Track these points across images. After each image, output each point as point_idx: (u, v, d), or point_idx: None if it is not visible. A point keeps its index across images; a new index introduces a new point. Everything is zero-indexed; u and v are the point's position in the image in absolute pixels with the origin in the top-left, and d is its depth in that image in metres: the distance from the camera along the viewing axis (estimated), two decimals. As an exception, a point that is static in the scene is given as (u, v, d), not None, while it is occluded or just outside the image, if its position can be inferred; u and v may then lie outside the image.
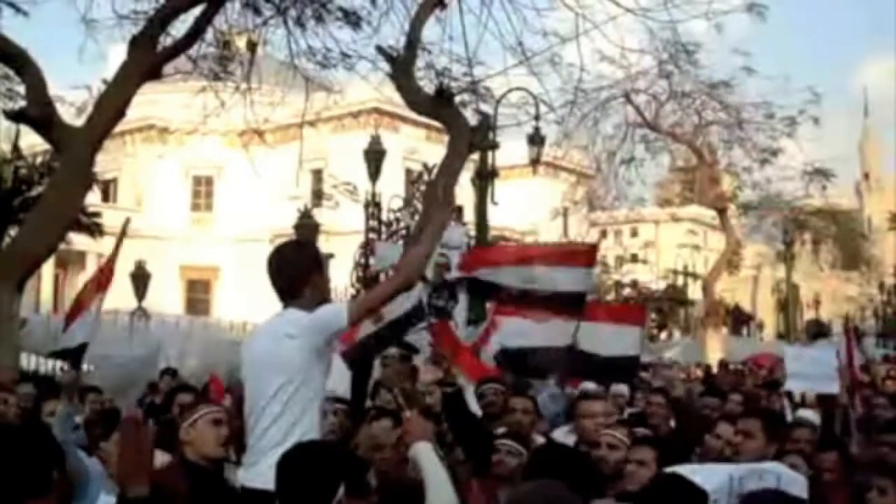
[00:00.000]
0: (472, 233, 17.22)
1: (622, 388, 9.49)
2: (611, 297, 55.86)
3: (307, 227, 22.33)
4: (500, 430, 6.08)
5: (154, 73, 11.68)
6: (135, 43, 11.50)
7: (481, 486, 5.25)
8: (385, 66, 13.62)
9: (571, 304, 7.88)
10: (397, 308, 7.09)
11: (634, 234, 77.49)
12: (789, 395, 9.60)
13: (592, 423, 6.07)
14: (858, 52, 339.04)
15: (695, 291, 46.19)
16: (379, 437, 5.71)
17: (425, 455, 3.89)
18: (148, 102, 41.22)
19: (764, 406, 9.12)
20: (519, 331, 8.44)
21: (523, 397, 6.93)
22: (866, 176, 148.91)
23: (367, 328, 7.06)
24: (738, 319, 60.24)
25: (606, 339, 8.21)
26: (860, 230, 67.02)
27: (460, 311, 14.03)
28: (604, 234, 68.82)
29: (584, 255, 8.43)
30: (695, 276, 52.74)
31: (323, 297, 4.60)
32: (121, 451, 2.99)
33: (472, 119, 15.17)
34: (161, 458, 4.72)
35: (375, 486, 3.71)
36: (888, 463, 5.58)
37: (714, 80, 26.91)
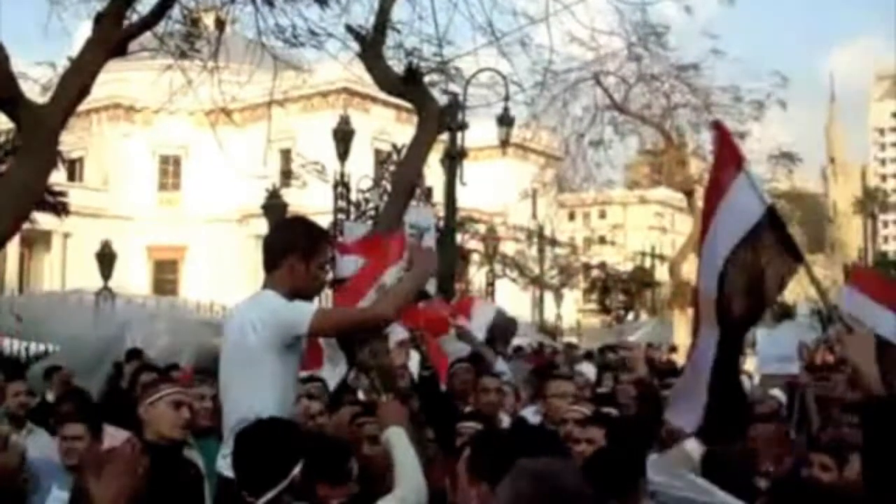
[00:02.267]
0: (441, 213, 17.26)
1: (588, 369, 9.57)
2: (579, 278, 56.17)
3: (275, 208, 22.27)
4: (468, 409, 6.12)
5: (120, 50, 11.53)
6: (100, 19, 11.34)
7: (448, 465, 5.27)
8: (355, 46, 13.56)
9: None
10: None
11: (603, 215, 77.80)
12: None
13: (563, 402, 6.12)
14: (826, 38, 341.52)
15: (662, 273, 46.42)
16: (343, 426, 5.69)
17: (398, 440, 3.91)
18: (114, 81, 40.95)
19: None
20: None
21: (494, 377, 6.99)
22: (832, 160, 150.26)
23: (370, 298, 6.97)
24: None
25: None
26: (825, 214, 67.70)
27: (429, 285, 14.07)
28: (572, 215, 69.09)
29: None
30: (662, 257, 53.05)
31: (302, 284, 4.44)
32: (108, 480, 2.93)
33: (441, 99, 15.16)
34: (117, 434, 4.69)
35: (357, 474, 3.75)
36: (834, 440, 5.69)
37: (683, 62, 26.99)
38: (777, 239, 4.18)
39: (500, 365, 8.72)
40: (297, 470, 3.37)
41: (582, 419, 5.37)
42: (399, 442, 3.90)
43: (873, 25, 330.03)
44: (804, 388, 7.20)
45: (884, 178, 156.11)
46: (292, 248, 4.44)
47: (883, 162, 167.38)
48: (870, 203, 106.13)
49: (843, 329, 3.23)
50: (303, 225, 4.76)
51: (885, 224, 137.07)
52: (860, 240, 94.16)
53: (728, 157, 4.57)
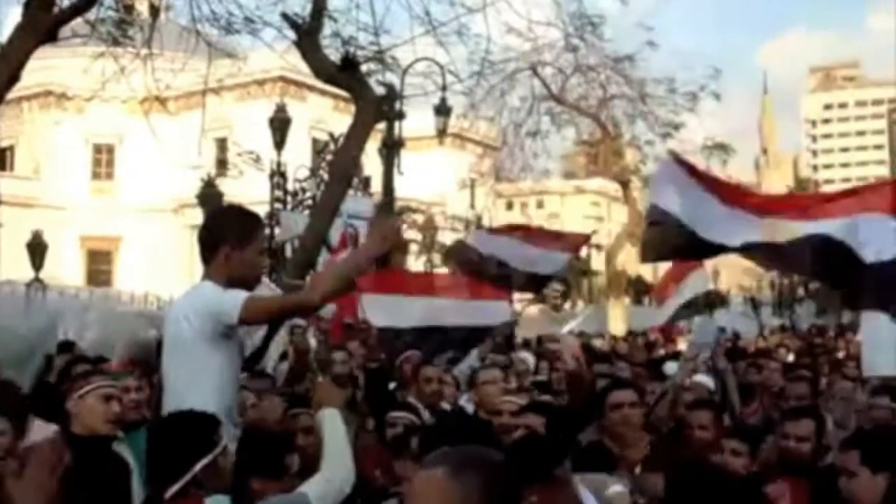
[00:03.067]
0: (379, 203, 17.23)
1: (526, 357, 9.62)
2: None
3: (211, 197, 22.04)
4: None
5: (50, 36, 11.32)
6: (29, 4, 11.13)
7: (380, 454, 5.28)
8: (291, 34, 13.44)
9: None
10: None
11: (540, 205, 78.14)
12: None
13: (493, 389, 6.16)
14: (760, 31, 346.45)
15: (598, 262, 46.85)
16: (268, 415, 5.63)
17: (330, 421, 3.91)
18: (45, 67, 40.07)
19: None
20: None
21: (434, 366, 7.02)
22: (765, 151, 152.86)
23: None
24: (640, 290, 61.31)
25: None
26: (758, 203, 68.72)
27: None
28: (510, 205, 69.28)
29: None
30: (598, 247, 53.48)
31: (239, 273, 4.39)
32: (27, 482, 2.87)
33: (378, 89, 15.10)
34: (45, 428, 4.61)
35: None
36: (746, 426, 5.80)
37: (619, 54, 27.24)
38: None
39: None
40: (200, 464, 3.33)
41: (516, 410, 5.41)
42: (331, 423, 3.90)
43: (805, 19, 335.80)
44: (723, 374, 7.31)
45: (815, 168, 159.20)
46: (226, 237, 4.40)
47: (814, 153, 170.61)
48: (801, 193, 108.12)
49: None
50: (235, 213, 4.72)
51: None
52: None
53: None
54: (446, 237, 45.57)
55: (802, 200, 7.01)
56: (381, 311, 8.45)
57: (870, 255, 5.56)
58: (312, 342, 7.12)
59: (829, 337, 22.19)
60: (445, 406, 6.69)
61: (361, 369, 7.79)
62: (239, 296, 4.22)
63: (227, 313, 4.17)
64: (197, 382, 4.21)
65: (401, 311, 8.36)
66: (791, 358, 13.42)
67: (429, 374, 6.78)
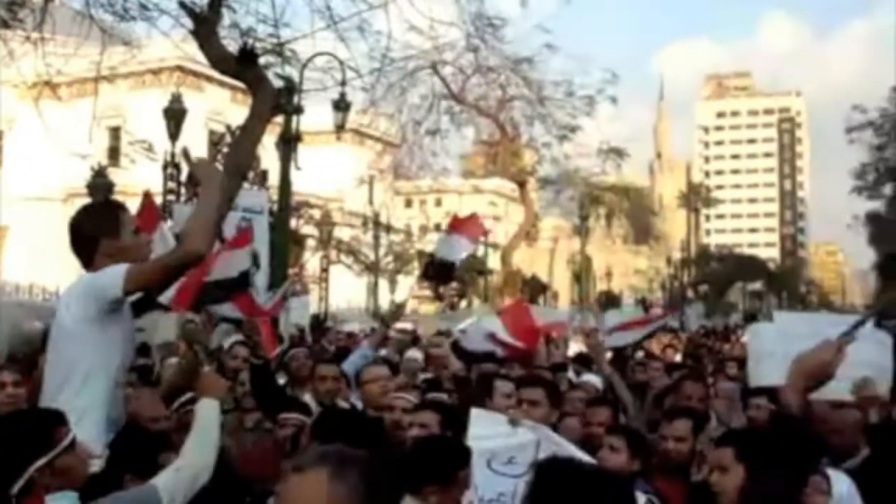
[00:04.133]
0: (275, 197, 17.06)
1: (416, 355, 9.64)
2: (414, 264, 56.52)
3: (101, 187, 21.55)
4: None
5: (-65, 17, 10.96)
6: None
7: (274, 453, 5.24)
8: (188, 23, 13.22)
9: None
10: (224, 270, 6.98)
11: (439, 203, 78.39)
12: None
13: (376, 387, 6.16)
14: (657, 38, 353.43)
15: (495, 261, 47.20)
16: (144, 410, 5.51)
17: (206, 411, 3.87)
18: (-70, 49, 38.66)
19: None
20: None
21: (330, 364, 6.98)
22: (659, 156, 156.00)
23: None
24: (536, 289, 62.00)
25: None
26: (651, 207, 70.15)
27: (261, 275, 13.91)
28: (408, 202, 69.40)
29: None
30: (495, 246, 53.90)
31: (125, 258, 4.28)
32: None
33: (276, 82, 14.97)
34: None
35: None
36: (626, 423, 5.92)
37: (518, 56, 27.50)
38: None
39: None
40: (37, 464, 3.23)
41: (410, 406, 5.43)
42: (204, 413, 3.86)
43: (700, 28, 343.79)
44: (609, 375, 7.45)
45: (707, 174, 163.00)
46: (96, 234, 4.34)
47: (707, 159, 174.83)
48: (693, 198, 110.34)
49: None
50: (94, 210, 4.67)
51: (708, 218, 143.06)
52: (683, 232, 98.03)
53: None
54: (343, 233, 45.47)
55: None
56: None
57: None
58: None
59: (716, 338, 22.81)
60: (343, 404, 6.67)
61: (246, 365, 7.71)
62: (118, 269, 4.13)
63: (111, 286, 4.09)
64: (73, 375, 4.14)
65: None
66: (678, 358, 13.71)
67: (323, 371, 6.75)
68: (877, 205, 53.20)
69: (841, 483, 4.54)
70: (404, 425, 5.17)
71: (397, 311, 9.53)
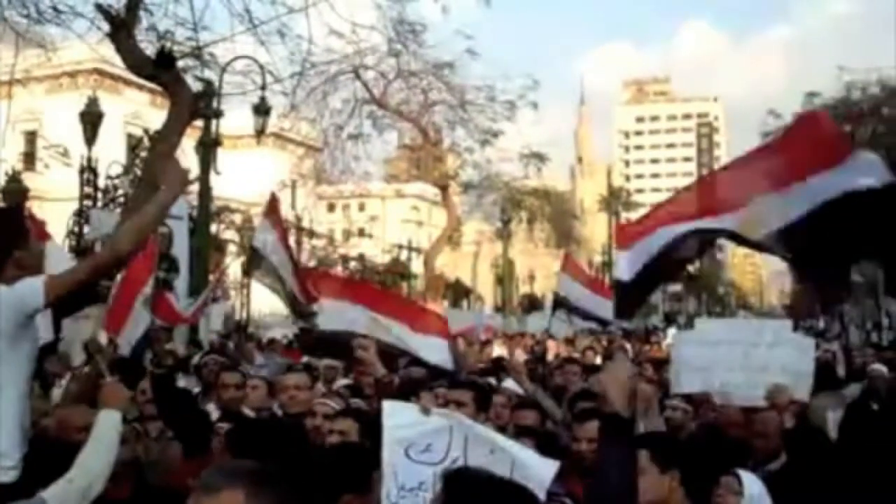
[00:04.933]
0: (195, 203, 16.88)
1: (334, 362, 9.59)
2: (337, 269, 56.31)
3: (14, 192, 21.07)
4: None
5: None
6: None
7: (193, 466, 5.19)
8: (105, 26, 13.04)
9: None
10: None
11: (362, 208, 78.28)
12: None
13: (286, 396, 6.14)
14: (578, 44, 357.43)
15: (417, 265, 47.26)
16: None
17: (103, 423, 3.83)
18: None
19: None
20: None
21: (233, 371, 6.91)
22: (580, 160, 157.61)
23: None
24: (459, 292, 62.26)
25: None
26: (572, 211, 70.82)
27: (181, 281, 13.76)
28: (332, 207, 69.12)
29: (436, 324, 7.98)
30: (418, 250, 53.97)
31: (31, 265, 4.22)
32: None
33: (195, 85, 14.83)
34: None
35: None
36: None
37: (440, 61, 27.57)
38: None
39: None
40: None
41: (332, 413, 5.42)
42: (103, 425, 3.82)
43: (621, 34, 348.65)
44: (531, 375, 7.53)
45: (627, 178, 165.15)
46: (7, 245, 4.23)
47: (627, 163, 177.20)
48: (614, 202, 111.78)
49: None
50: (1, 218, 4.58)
51: (628, 221, 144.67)
52: (604, 236, 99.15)
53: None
54: (266, 238, 45.08)
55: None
56: (335, 315, 8.19)
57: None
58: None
59: (636, 339, 23.09)
60: (248, 412, 6.59)
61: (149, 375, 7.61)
62: (35, 281, 4.06)
63: (31, 296, 4.02)
64: None
65: (350, 317, 8.07)
66: (598, 360, 13.86)
67: (226, 379, 6.69)
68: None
69: (753, 484, 4.65)
70: (325, 432, 5.17)
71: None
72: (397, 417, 4.16)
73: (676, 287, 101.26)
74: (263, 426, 5.26)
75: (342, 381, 8.46)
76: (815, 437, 6.00)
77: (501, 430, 5.47)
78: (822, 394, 9.04)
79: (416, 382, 6.55)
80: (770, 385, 6.03)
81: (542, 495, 3.77)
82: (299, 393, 6.06)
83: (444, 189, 32.00)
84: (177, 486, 4.97)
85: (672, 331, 24.68)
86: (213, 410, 6.40)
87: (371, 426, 4.79)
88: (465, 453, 4.06)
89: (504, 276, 49.64)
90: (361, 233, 67.89)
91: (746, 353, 6.62)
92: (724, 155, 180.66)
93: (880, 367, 9.96)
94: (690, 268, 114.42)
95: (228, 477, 2.18)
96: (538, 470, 3.98)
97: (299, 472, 3.02)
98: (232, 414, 5.85)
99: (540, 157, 32.54)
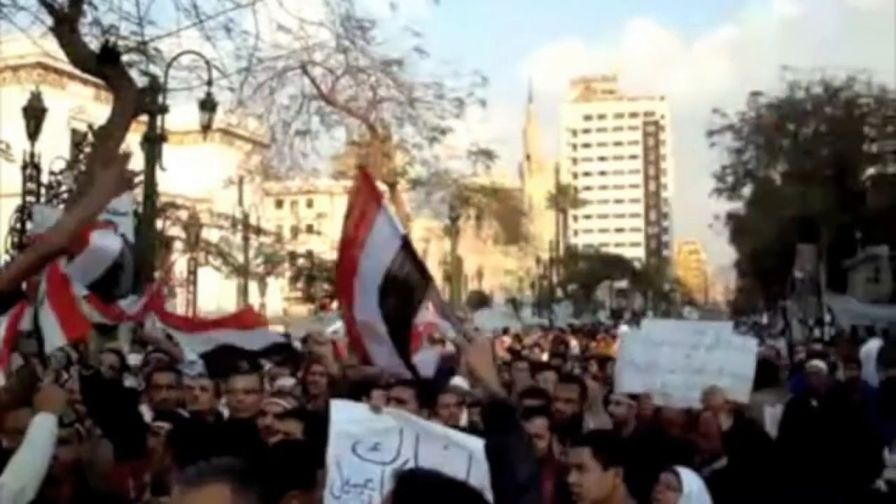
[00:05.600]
0: (140, 199, 16.71)
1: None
2: (285, 266, 56.04)
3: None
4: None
5: None
6: None
7: (129, 468, 5.16)
8: (48, 20, 12.88)
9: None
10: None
11: (310, 204, 77.95)
12: None
13: (235, 399, 6.12)
14: (527, 41, 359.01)
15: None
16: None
17: (39, 426, 3.80)
18: None
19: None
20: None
21: (166, 372, 6.86)
22: (528, 157, 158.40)
23: None
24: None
25: None
26: (520, 208, 71.12)
27: (125, 281, 13.60)
28: (280, 203, 68.76)
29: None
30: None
31: None
32: None
33: (140, 81, 14.69)
34: None
35: None
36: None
37: (388, 58, 27.54)
38: (411, 261, 4.43)
39: None
40: None
41: (281, 412, 5.43)
42: (37, 428, 3.79)
43: (568, 32, 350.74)
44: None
45: (575, 175, 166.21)
46: None
47: (575, 161, 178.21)
48: (561, 199, 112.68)
49: (463, 338, 3.40)
50: None
51: (575, 218, 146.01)
52: (552, 233, 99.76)
53: (371, 194, 4.82)
54: (212, 235, 44.75)
55: None
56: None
57: None
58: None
59: (583, 336, 23.32)
60: (183, 413, 6.53)
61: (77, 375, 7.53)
62: None
63: None
64: None
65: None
66: (545, 357, 13.96)
67: (159, 380, 6.65)
68: (737, 205, 55.21)
69: (692, 481, 4.72)
70: (274, 430, 5.17)
71: None
72: (345, 414, 4.18)
73: (623, 283, 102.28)
74: (207, 427, 5.24)
75: (286, 381, 8.40)
76: (754, 436, 6.11)
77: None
78: (761, 390, 9.21)
79: (370, 380, 6.54)
80: (705, 387, 6.13)
81: None
82: (247, 397, 6.02)
83: (392, 186, 31.98)
84: (113, 488, 4.95)
85: (624, 327, 24.96)
86: (147, 411, 6.35)
87: (317, 426, 4.80)
88: (417, 453, 4.08)
89: (452, 274, 49.69)
90: (310, 229, 67.48)
91: (688, 355, 6.72)
92: (670, 153, 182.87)
93: (818, 364, 10.11)
94: (637, 264, 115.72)
95: (213, 472, 2.18)
96: None
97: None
98: (168, 414, 5.79)
99: (488, 155, 32.68)
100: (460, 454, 4.01)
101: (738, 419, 5.97)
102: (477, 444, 4.17)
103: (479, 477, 3.85)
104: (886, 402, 9.31)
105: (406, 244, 4.42)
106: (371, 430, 4.14)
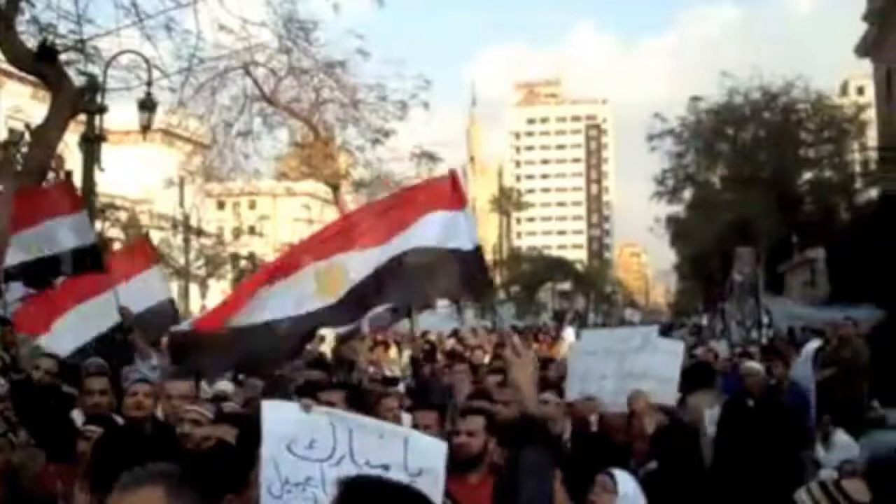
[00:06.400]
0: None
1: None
2: (227, 268, 55.61)
3: None
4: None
5: None
6: None
7: (60, 472, 5.10)
8: (-17, 17, 12.65)
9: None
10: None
11: (252, 206, 77.40)
12: None
13: (169, 405, 6.07)
14: (470, 46, 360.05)
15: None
16: None
17: None
18: None
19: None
20: None
21: (98, 377, 6.80)
22: (472, 160, 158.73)
23: None
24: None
25: None
26: (464, 210, 71.24)
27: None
28: (221, 205, 68.14)
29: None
30: (309, 249, 53.54)
31: None
32: None
33: (79, 80, 14.50)
34: None
35: None
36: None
37: (332, 59, 27.43)
38: (468, 271, 4.61)
39: None
40: None
41: (203, 419, 5.40)
42: None
43: (513, 36, 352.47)
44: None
45: (518, 178, 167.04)
46: None
47: (518, 163, 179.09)
48: (505, 201, 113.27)
49: (512, 353, 3.45)
50: None
51: (519, 221, 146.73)
52: (496, 235, 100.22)
53: (455, 196, 5.12)
54: (152, 236, 44.25)
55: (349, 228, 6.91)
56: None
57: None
58: None
59: (525, 337, 23.39)
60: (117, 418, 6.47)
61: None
62: None
63: None
64: None
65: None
66: (487, 360, 13.98)
67: (91, 385, 6.59)
68: (677, 209, 55.84)
69: (627, 482, 4.79)
70: (196, 439, 5.15)
71: None
72: (276, 413, 4.20)
73: (565, 285, 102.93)
74: (132, 433, 5.18)
75: (226, 385, 8.34)
76: (683, 437, 6.22)
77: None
78: (698, 392, 9.35)
79: (315, 384, 6.55)
80: (632, 391, 6.23)
81: (441, 473, 4.01)
82: (183, 402, 5.97)
83: (335, 188, 31.86)
84: (44, 493, 4.89)
85: (569, 329, 25.09)
86: (79, 416, 6.28)
87: (250, 429, 4.79)
88: (352, 447, 4.11)
89: (396, 276, 49.67)
90: (252, 231, 67.00)
91: (619, 361, 6.85)
92: (612, 156, 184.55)
93: (753, 365, 10.25)
94: (579, 266, 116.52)
95: (150, 476, 2.21)
96: (431, 447, 4.14)
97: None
98: (100, 419, 5.73)
99: (431, 157, 32.64)
100: (396, 440, 4.10)
101: (672, 421, 6.07)
102: (413, 433, 4.27)
103: (418, 460, 4.02)
104: (821, 402, 9.51)
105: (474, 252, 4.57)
106: (304, 429, 4.16)
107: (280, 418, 4.17)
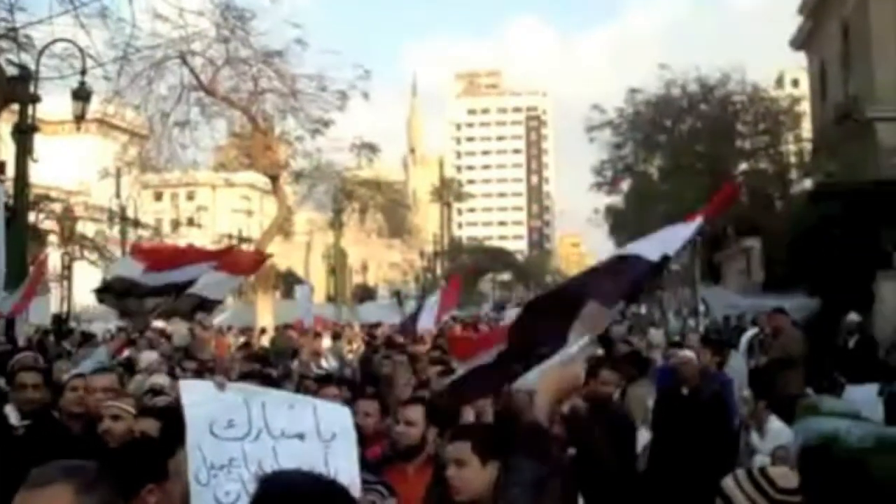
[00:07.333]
0: (12, 191, 16.22)
1: (152, 356, 9.45)
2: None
3: None
4: None
5: None
6: None
7: None
8: None
9: None
10: None
11: (190, 197, 76.70)
12: None
13: (93, 399, 6.02)
14: (411, 35, 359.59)
15: (248, 256, 46.56)
16: None
17: None
18: None
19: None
20: None
21: (31, 371, 6.73)
22: (412, 151, 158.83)
23: None
24: (291, 283, 61.71)
25: None
26: (404, 201, 71.27)
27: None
28: (159, 196, 67.43)
29: None
30: (248, 240, 53.25)
31: None
32: None
33: (10, 69, 14.26)
34: None
35: None
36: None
37: (270, 49, 27.23)
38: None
39: None
40: None
41: (122, 414, 5.38)
42: None
43: (454, 27, 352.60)
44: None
45: (459, 169, 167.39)
46: None
47: (459, 154, 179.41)
48: (445, 192, 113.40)
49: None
50: None
51: (459, 212, 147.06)
52: (436, 226, 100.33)
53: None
54: (88, 228, 43.62)
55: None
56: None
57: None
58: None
59: (465, 328, 23.51)
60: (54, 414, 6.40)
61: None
62: None
63: None
64: None
65: None
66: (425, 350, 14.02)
67: (24, 379, 6.50)
68: (616, 199, 56.30)
69: None
70: (117, 435, 5.15)
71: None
72: (194, 395, 4.22)
73: (506, 276, 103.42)
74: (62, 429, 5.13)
75: (161, 379, 8.27)
76: (620, 428, 6.29)
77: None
78: (639, 381, 9.48)
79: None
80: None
81: (352, 435, 4.25)
82: (106, 396, 5.91)
83: (274, 178, 31.65)
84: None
85: (511, 312, 25.18)
86: (13, 411, 6.20)
87: (173, 421, 4.78)
88: (267, 420, 4.20)
89: (336, 267, 49.55)
90: (190, 222, 66.33)
91: None
92: (552, 148, 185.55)
93: (685, 353, 10.34)
94: (519, 257, 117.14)
95: (59, 473, 2.18)
96: (338, 412, 4.39)
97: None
98: (35, 414, 5.66)
99: (371, 148, 32.63)
100: (306, 409, 4.26)
101: (607, 411, 6.13)
102: (319, 400, 4.56)
103: (329, 425, 4.21)
104: (755, 389, 9.69)
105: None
106: (221, 408, 4.21)
107: (198, 400, 4.20)
